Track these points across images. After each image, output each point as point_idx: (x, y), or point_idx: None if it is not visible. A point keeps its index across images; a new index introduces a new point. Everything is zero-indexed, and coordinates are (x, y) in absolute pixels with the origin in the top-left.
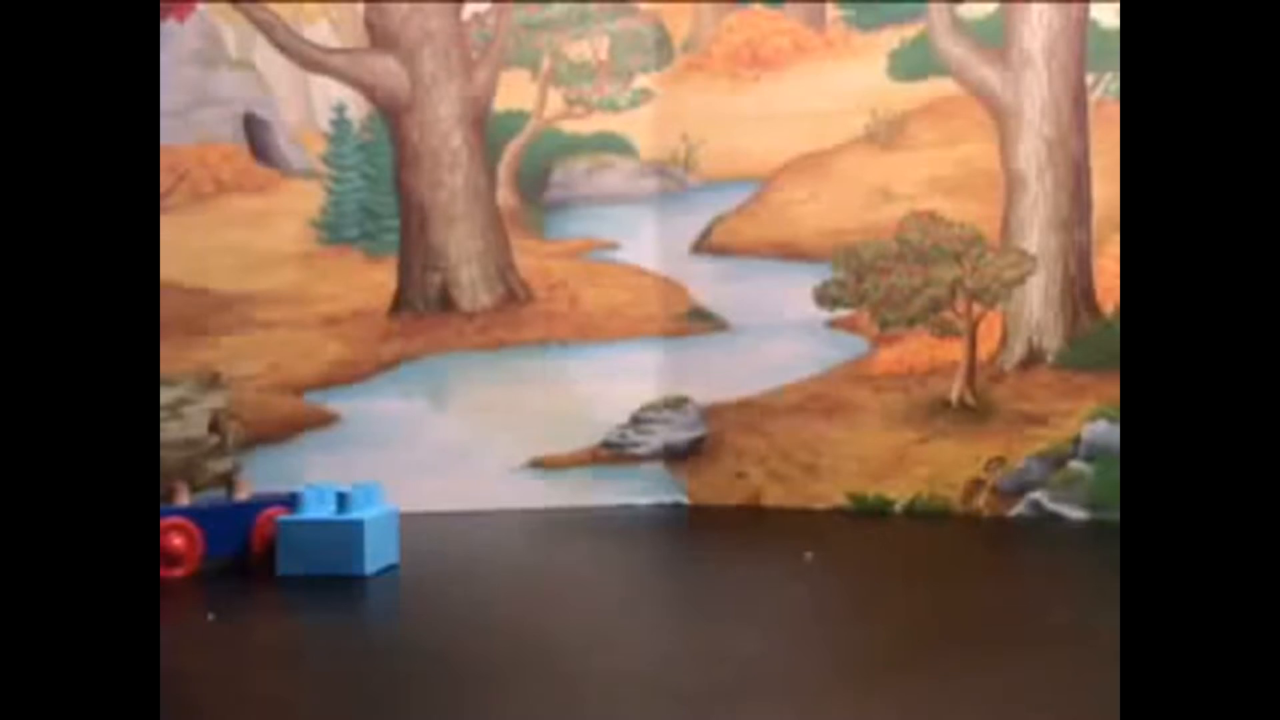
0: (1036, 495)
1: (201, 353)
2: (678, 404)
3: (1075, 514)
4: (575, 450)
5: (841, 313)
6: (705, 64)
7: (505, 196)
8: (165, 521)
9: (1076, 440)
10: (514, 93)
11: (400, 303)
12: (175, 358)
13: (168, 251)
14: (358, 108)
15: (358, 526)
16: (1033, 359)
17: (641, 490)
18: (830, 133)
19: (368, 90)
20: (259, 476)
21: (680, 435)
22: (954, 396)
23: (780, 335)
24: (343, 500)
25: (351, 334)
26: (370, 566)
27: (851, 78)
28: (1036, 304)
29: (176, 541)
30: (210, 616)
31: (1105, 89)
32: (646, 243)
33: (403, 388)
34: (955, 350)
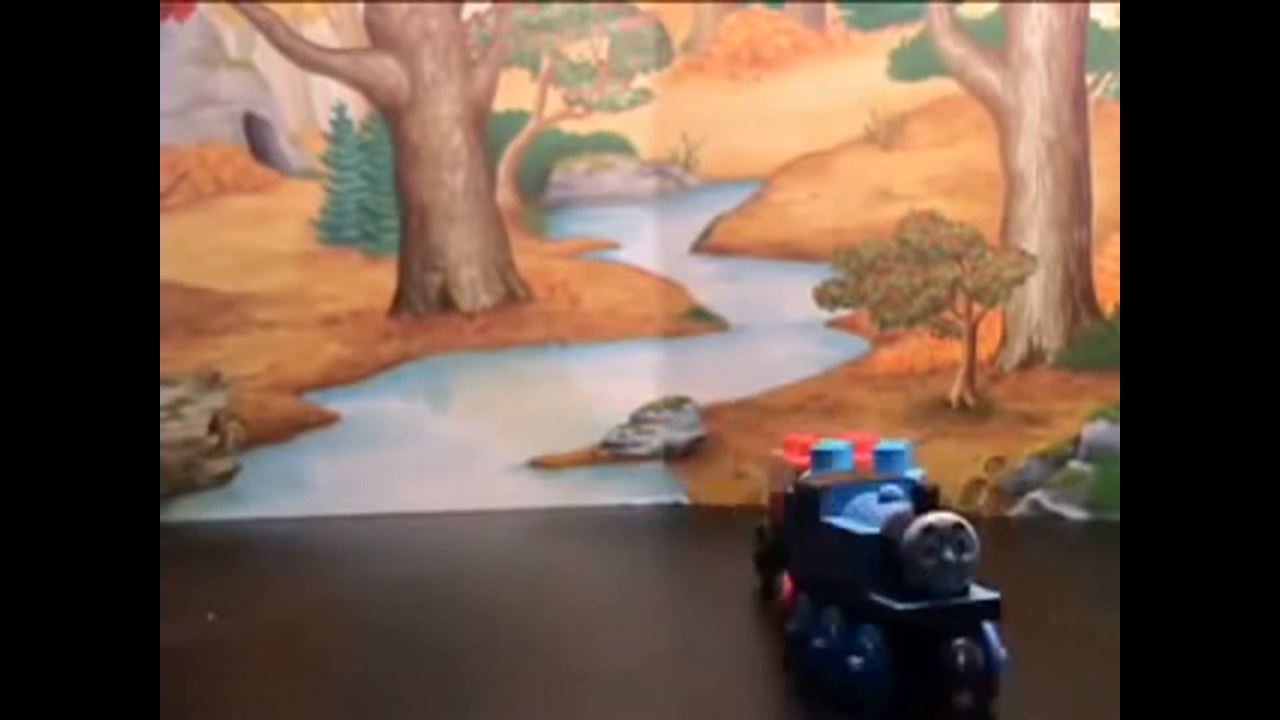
0: (1036, 495)
1: (201, 353)
2: (678, 404)
3: (1075, 514)
4: (575, 450)
5: (841, 313)
6: (705, 64)
7: (505, 196)
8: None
9: (1076, 440)
10: (514, 93)
11: (400, 303)
12: (175, 358)
13: (168, 251)
14: (358, 108)
15: None
16: (1033, 359)
17: (641, 490)
18: (830, 133)
19: (368, 90)
20: (259, 476)
21: (680, 435)
22: (954, 396)
23: (780, 335)
24: None
25: (351, 334)
26: None
27: (851, 78)
28: (1036, 304)
29: None
30: (210, 616)
31: (1105, 89)
32: (646, 243)
33: (403, 388)
34: (955, 350)
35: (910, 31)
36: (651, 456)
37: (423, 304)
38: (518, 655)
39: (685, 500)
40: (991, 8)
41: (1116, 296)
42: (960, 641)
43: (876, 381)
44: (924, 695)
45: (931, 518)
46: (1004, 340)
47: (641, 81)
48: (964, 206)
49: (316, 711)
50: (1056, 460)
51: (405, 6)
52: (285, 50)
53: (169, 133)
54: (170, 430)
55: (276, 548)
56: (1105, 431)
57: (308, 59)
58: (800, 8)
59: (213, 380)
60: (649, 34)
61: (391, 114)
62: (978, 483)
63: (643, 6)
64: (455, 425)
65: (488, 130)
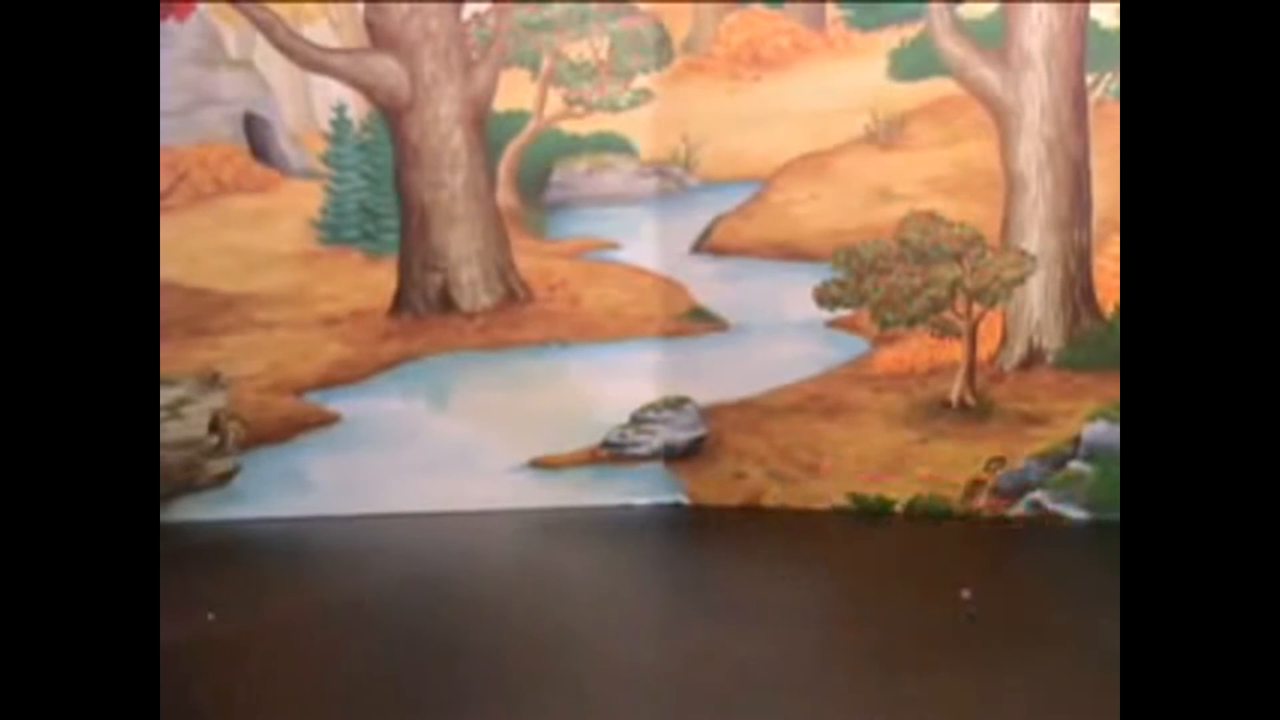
0: (1036, 495)
1: (201, 353)
2: (678, 404)
3: (1075, 514)
4: (575, 450)
5: (841, 313)
6: (705, 64)
7: (505, 196)
8: None
9: (1076, 440)
10: (514, 93)
11: (400, 303)
12: (175, 358)
13: (168, 251)
14: (358, 108)
15: None
16: (1033, 359)
17: (641, 490)
18: (830, 133)
19: (368, 90)
20: (259, 476)
21: (680, 435)
22: (954, 397)
23: (780, 335)
24: None
25: (351, 334)
26: None
27: (851, 78)
28: (1036, 304)
29: None
30: (210, 616)
31: (1105, 89)
32: (646, 243)
33: (403, 388)
34: (955, 350)
35: (910, 31)
36: (651, 456)
37: (423, 304)
38: (517, 654)
39: (685, 500)
40: (991, 8)
41: (1116, 296)
42: None
43: (876, 381)
44: None
45: None
46: (1004, 340)
47: (641, 81)
48: (964, 206)
49: (317, 711)
50: (1056, 460)
51: (405, 6)
52: (285, 50)
53: (169, 133)
54: (170, 430)
55: (276, 548)
56: (1105, 431)
57: (308, 59)
58: (800, 8)
59: (213, 380)
60: (649, 34)
61: (391, 114)
62: (978, 483)
63: (643, 6)
64: (455, 425)
65: (488, 130)
